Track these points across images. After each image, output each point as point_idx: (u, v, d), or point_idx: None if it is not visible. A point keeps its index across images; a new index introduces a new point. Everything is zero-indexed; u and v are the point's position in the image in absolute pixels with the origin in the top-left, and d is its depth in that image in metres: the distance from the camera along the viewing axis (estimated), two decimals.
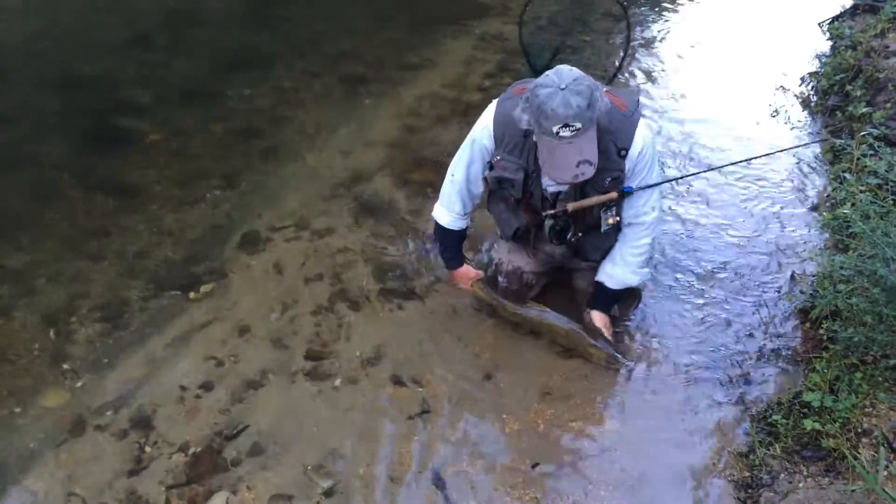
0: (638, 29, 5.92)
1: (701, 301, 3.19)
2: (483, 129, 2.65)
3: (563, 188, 2.63)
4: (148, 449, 2.60)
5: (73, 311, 3.21)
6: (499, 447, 2.58)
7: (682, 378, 2.82)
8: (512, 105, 2.49)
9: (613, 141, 2.47)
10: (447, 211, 2.94)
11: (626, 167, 2.56)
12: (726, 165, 3.60)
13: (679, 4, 6.52)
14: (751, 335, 3.00)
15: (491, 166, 2.69)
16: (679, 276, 3.34)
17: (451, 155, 2.86)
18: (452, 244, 3.08)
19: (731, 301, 3.19)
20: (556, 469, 2.49)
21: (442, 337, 3.05)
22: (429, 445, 2.58)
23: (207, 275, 3.41)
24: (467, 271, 3.13)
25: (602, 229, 2.71)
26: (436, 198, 3.01)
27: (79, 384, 2.87)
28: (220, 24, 6.06)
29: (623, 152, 2.51)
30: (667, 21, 6.10)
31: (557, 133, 2.25)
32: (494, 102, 2.65)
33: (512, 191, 2.68)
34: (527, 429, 2.65)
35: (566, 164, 2.30)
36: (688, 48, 5.54)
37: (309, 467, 2.51)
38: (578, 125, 2.23)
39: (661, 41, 5.71)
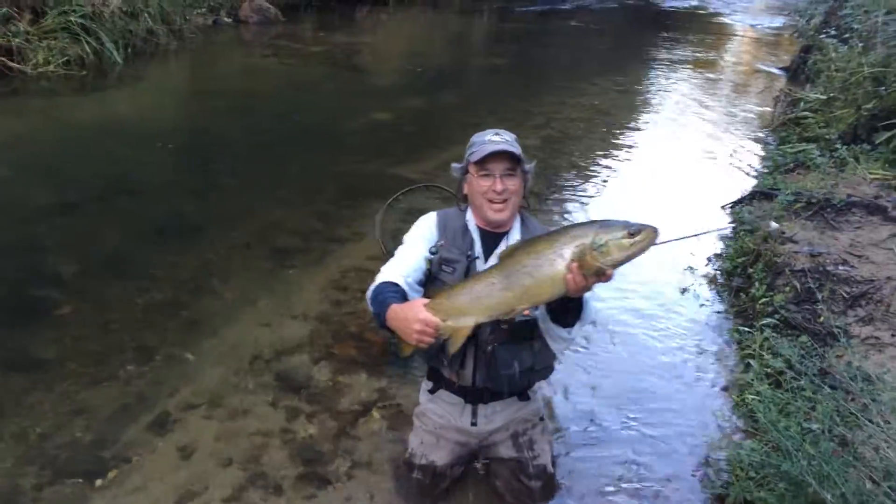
0: (542, 208, 6.25)
1: (613, 487, 3.18)
2: (425, 221, 2.83)
3: None
4: None
5: None
6: None
7: None
8: (448, 209, 2.87)
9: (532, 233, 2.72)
10: (382, 275, 2.65)
11: None
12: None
13: (588, 181, 6.97)
14: None
15: (435, 251, 2.73)
16: (592, 456, 3.34)
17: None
18: (388, 292, 2.53)
19: (644, 487, 3.19)
20: None
21: None
22: None
23: (113, 459, 3.24)
24: (412, 302, 2.43)
25: (516, 319, 2.57)
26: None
27: None
28: (151, 193, 6.11)
29: None
30: (576, 202, 6.46)
31: (489, 139, 2.64)
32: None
33: (452, 276, 2.66)
34: None
35: (494, 146, 2.59)
36: None
37: None
38: (508, 138, 2.66)
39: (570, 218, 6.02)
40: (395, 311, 2.38)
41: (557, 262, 2.17)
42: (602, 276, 2.21)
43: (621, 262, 2.19)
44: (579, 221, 2.48)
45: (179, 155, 7.22)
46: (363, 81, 11.17)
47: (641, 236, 2.13)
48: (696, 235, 3.42)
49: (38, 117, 7.81)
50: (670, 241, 2.68)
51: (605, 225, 2.19)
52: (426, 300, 2.39)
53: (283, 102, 9.29)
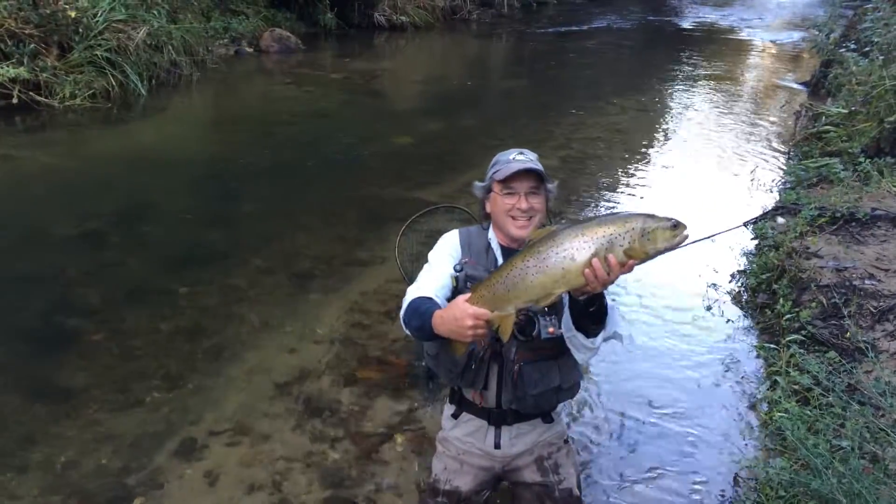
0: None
1: None
2: (449, 239, 2.80)
3: None
4: None
5: None
6: None
7: None
8: (470, 227, 2.84)
9: None
10: (413, 293, 2.61)
11: None
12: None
13: (608, 200, 6.95)
14: None
15: (460, 268, 2.71)
16: (618, 477, 3.31)
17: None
18: (427, 304, 2.52)
19: None
20: None
21: None
22: None
23: (139, 486, 3.26)
24: (453, 302, 2.37)
25: (542, 337, 2.59)
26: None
27: None
28: (175, 221, 6.19)
29: None
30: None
31: (513, 158, 2.64)
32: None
33: None
34: None
35: (519, 165, 2.59)
36: None
37: None
38: (531, 157, 2.65)
39: None
40: (441, 317, 2.37)
41: (603, 246, 2.15)
42: (627, 266, 2.19)
43: (661, 253, 2.18)
44: (619, 212, 2.45)
45: (202, 183, 7.32)
46: (382, 106, 11.29)
47: (680, 230, 2.15)
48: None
49: (65, 149, 7.96)
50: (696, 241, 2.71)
51: (650, 215, 2.19)
52: (467, 295, 2.35)
53: (303, 129, 9.40)
